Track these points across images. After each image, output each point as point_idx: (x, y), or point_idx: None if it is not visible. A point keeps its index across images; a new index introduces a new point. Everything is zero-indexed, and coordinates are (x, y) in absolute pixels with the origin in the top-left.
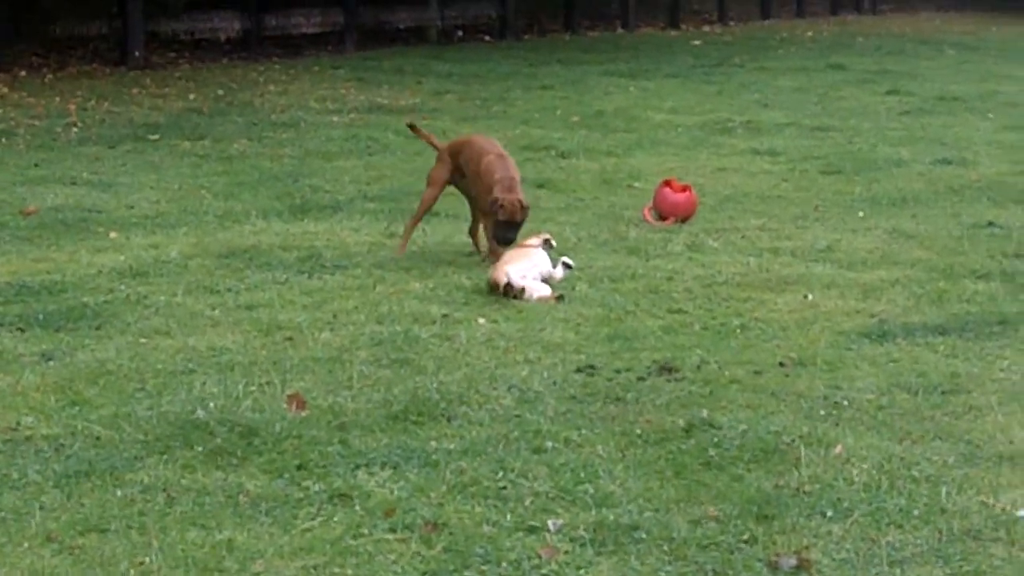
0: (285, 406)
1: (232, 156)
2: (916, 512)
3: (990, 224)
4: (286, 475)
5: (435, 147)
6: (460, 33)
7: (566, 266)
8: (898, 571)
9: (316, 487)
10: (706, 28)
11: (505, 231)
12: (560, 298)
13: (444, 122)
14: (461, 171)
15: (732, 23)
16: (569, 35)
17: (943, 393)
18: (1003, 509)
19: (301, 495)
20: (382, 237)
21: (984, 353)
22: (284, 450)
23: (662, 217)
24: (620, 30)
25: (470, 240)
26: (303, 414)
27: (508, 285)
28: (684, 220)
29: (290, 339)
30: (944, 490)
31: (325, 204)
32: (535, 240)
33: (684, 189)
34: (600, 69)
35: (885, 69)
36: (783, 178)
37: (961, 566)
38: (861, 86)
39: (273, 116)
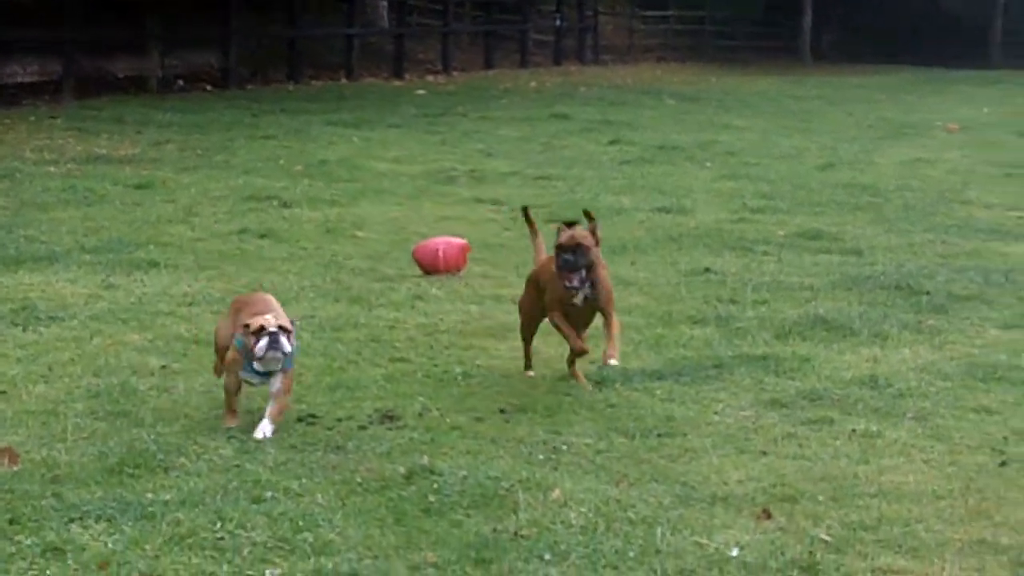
0: None
1: None
2: (632, 553)
3: (706, 270)
4: None
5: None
6: (181, 83)
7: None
8: None
9: (28, 541)
10: (430, 78)
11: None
12: None
13: (165, 171)
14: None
15: (456, 73)
16: (292, 85)
17: (659, 436)
18: (716, 549)
19: (13, 550)
20: (99, 288)
21: (700, 397)
22: None
23: (430, 269)
24: (344, 80)
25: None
26: (15, 468)
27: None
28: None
29: (2, 392)
30: (659, 531)
31: (41, 255)
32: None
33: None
34: (323, 119)
35: (608, 119)
36: (505, 227)
37: None
38: (584, 135)
39: None
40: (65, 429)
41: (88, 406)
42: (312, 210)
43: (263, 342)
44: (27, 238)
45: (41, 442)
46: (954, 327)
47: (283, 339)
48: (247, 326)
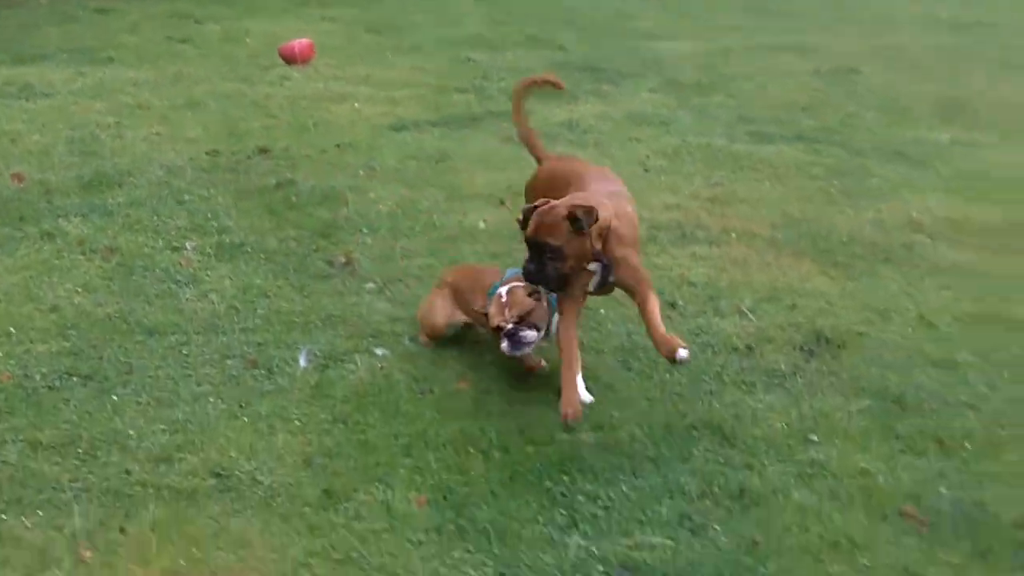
0: (10, 181)
1: None
2: (418, 228)
3: (468, 60)
4: (11, 223)
5: None
6: None
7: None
8: (407, 262)
9: (32, 230)
10: None
11: None
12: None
13: (118, 2)
14: None
15: None
16: None
17: (436, 161)
18: (471, 224)
19: (21, 235)
20: (75, 76)
21: (461, 137)
22: (10, 209)
23: (290, 61)
24: None
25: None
26: (22, 185)
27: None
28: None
29: (13, 140)
30: (435, 216)
31: (37, 55)
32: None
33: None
34: None
35: None
36: (341, 35)
37: (444, 257)
38: None
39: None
40: (53, 161)
41: (68, 148)
42: (216, 24)
43: (504, 344)
44: (29, 45)
45: (39, 169)
46: (621, 92)
47: (523, 333)
48: (486, 316)
